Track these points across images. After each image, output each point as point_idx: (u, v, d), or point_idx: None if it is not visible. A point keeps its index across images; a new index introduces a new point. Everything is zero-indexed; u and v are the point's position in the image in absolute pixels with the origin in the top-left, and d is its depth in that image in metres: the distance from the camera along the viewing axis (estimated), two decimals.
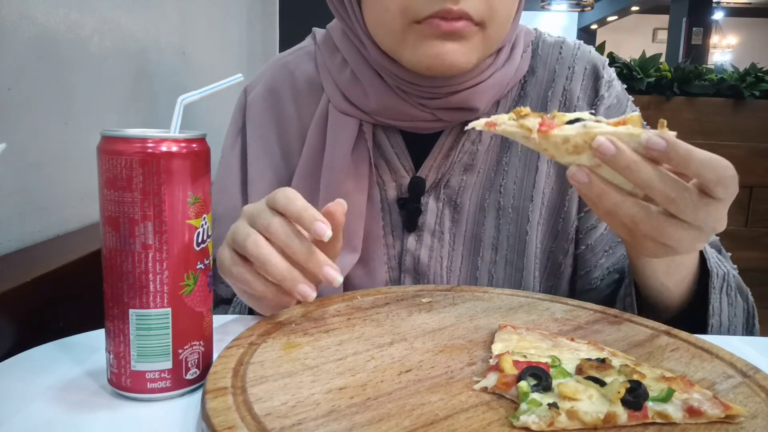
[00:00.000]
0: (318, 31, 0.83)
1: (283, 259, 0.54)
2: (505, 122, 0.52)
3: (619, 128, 0.49)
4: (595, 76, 0.79)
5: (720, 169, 0.48)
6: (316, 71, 0.80)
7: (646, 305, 0.70)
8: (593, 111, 0.77)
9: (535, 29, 0.84)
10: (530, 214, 0.77)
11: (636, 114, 0.51)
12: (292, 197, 0.54)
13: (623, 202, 0.50)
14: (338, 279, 0.54)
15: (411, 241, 0.77)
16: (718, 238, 0.82)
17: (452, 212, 0.78)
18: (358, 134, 0.75)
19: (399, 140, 0.77)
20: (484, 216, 0.78)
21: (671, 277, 0.65)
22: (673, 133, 0.48)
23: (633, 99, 0.84)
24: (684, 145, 0.48)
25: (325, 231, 0.53)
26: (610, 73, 0.81)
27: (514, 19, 0.72)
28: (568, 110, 0.78)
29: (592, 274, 0.78)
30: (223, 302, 0.79)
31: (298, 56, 0.83)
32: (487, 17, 0.66)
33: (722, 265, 0.71)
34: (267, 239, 0.54)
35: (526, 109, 0.53)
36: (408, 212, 0.77)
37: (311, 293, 0.53)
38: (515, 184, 0.77)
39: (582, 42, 0.83)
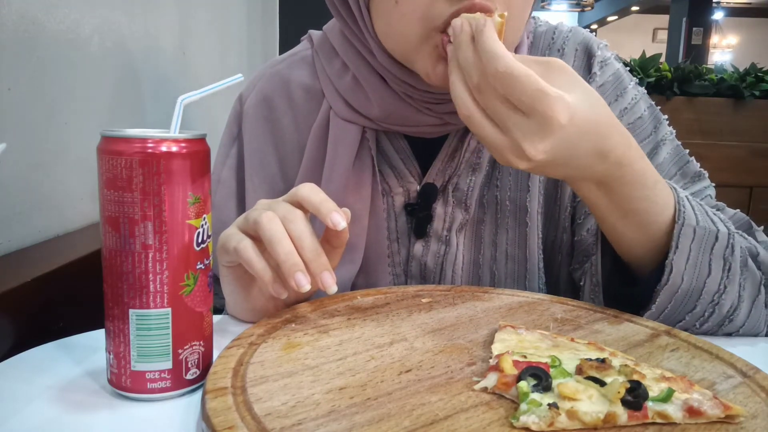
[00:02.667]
0: (314, 34, 0.81)
1: (291, 244, 0.54)
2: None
3: (469, 16, 0.57)
4: (588, 55, 0.76)
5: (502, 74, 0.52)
6: (314, 78, 0.78)
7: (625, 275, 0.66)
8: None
9: (533, 17, 0.81)
10: (528, 205, 0.75)
11: (498, 21, 0.56)
12: (315, 189, 0.57)
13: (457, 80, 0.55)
14: (333, 288, 0.54)
15: (418, 247, 0.76)
16: (744, 217, 0.74)
17: (463, 215, 0.76)
18: (361, 142, 0.73)
19: (404, 145, 0.75)
20: (484, 212, 0.76)
21: (621, 218, 0.60)
22: (490, 21, 0.55)
23: (637, 81, 0.80)
24: (484, 44, 0.53)
25: (341, 222, 0.55)
26: (605, 54, 0.77)
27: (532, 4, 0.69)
28: None
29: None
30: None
31: (291, 63, 0.80)
32: (506, 8, 0.61)
33: (724, 224, 0.62)
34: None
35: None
36: (418, 219, 0.76)
37: (306, 284, 0.53)
38: (511, 176, 0.76)
39: (577, 26, 0.80)
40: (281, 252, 0.53)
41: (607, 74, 0.76)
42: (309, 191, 0.57)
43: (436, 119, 0.72)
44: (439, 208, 0.76)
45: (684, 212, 0.60)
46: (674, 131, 0.78)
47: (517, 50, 0.75)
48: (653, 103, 0.80)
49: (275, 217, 0.55)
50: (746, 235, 0.67)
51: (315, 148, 0.75)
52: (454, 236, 0.76)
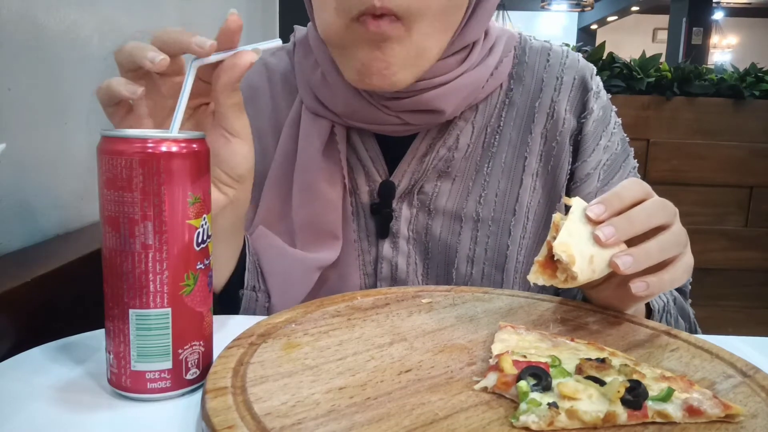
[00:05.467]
0: (299, 29, 0.82)
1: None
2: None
3: (569, 219, 0.55)
4: (584, 88, 0.77)
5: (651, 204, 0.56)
6: (293, 70, 0.80)
7: None
8: (583, 121, 0.76)
9: (520, 33, 0.81)
10: (512, 228, 0.75)
11: (576, 198, 0.57)
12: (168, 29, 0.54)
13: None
14: (205, 42, 0.51)
15: (386, 247, 0.76)
16: None
17: (426, 219, 0.76)
18: (330, 136, 0.74)
19: (373, 144, 0.75)
20: (460, 226, 0.76)
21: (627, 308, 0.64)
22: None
23: (614, 99, 0.83)
24: (612, 195, 0.55)
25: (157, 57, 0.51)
26: (597, 83, 0.79)
27: (477, 15, 0.68)
28: (555, 123, 0.76)
29: None
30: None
31: (279, 56, 0.83)
32: (415, 12, 0.61)
33: (665, 296, 0.74)
34: None
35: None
36: (379, 218, 0.76)
37: (158, 55, 0.51)
38: (497, 196, 0.76)
39: (569, 49, 0.80)
40: (128, 47, 0.52)
41: (599, 108, 0.78)
42: (163, 32, 0.53)
43: (395, 118, 0.71)
44: (404, 209, 0.76)
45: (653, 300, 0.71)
46: (637, 164, 0.82)
47: (491, 53, 0.74)
48: (625, 135, 0.82)
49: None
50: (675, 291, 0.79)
51: (288, 142, 0.77)
52: (421, 241, 0.76)
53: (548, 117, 0.76)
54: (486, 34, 0.75)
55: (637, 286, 0.54)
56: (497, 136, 0.76)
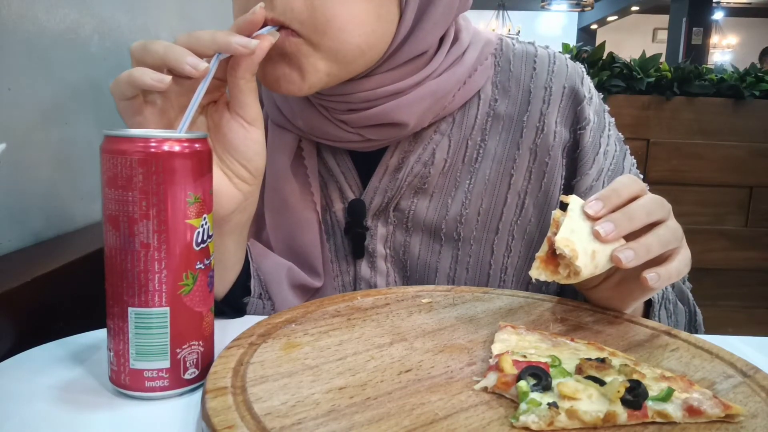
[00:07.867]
0: None
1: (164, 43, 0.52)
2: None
3: (570, 217, 0.54)
4: (575, 98, 0.72)
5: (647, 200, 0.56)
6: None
7: None
8: (581, 132, 0.72)
9: (500, 38, 0.76)
10: (494, 247, 0.73)
11: (573, 198, 0.56)
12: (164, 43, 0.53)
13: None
14: (251, 42, 0.52)
15: (364, 267, 0.74)
16: None
17: (404, 236, 0.73)
18: (298, 150, 0.72)
19: (345, 158, 0.72)
20: (440, 245, 0.73)
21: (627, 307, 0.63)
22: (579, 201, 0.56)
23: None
24: (610, 192, 0.55)
25: (199, 63, 0.51)
26: (589, 87, 0.74)
27: (423, 24, 0.64)
28: (546, 136, 0.72)
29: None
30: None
31: None
32: (311, 28, 0.58)
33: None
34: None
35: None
36: (352, 237, 0.73)
37: (200, 62, 0.51)
38: (479, 215, 0.72)
39: (555, 52, 0.75)
40: (160, 47, 0.51)
41: (594, 115, 0.73)
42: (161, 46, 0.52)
43: (357, 135, 0.68)
44: (380, 227, 0.73)
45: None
46: (635, 162, 0.80)
47: (461, 59, 0.70)
48: (619, 134, 0.80)
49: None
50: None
51: None
52: (400, 259, 0.74)
53: (538, 131, 0.72)
54: (455, 39, 0.70)
55: (651, 277, 0.54)
56: (480, 151, 0.72)
